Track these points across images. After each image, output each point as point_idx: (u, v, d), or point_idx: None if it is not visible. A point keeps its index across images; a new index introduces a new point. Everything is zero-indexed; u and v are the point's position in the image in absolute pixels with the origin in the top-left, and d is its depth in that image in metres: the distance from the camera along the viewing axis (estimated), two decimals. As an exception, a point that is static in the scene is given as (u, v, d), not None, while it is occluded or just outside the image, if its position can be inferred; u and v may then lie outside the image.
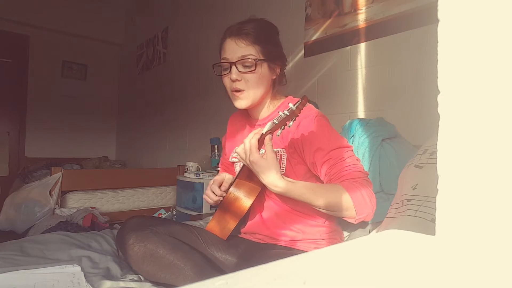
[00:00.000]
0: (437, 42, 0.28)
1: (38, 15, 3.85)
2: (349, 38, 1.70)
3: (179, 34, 3.33)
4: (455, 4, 0.27)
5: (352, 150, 0.95)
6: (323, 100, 1.79)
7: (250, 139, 0.83)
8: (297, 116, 0.83)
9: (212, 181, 1.06)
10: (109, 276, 0.98)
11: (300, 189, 0.83)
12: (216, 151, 2.48)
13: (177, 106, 3.30)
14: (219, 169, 2.12)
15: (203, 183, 2.13)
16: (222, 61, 1.00)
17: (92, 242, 1.22)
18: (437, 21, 0.28)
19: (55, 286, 0.86)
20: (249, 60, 0.95)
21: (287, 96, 1.08)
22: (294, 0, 2.04)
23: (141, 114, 3.99)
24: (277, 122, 0.83)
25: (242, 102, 0.99)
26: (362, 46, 1.65)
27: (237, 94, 0.98)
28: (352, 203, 0.80)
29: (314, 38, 1.88)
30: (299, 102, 0.82)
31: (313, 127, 0.93)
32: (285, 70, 1.06)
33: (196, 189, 2.16)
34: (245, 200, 0.94)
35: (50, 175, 2.31)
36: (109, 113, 4.62)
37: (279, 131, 0.84)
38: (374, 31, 1.59)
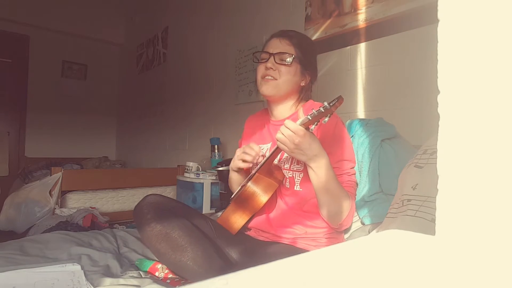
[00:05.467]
0: (437, 42, 0.28)
1: (38, 15, 3.85)
2: (349, 38, 1.70)
3: (179, 34, 3.33)
4: (455, 4, 0.27)
5: (354, 167, 1.07)
6: (323, 100, 1.78)
7: (290, 125, 0.84)
8: (333, 113, 0.83)
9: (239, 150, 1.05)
10: (109, 273, 0.99)
11: (331, 168, 0.91)
12: (216, 151, 2.48)
13: (177, 106, 3.30)
14: (219, 169, 2.13)
15: (203, 183, 2.13)
16: (264, 51, 1.09)
17: (93, 241, 1.23)
18: (437, 21, 0.28)
19: (55, 285, 0.86)
20: (288, 54, 1.04)
21: (307, 100, 1.12)
22: (294, 0, 2.04)
23: (141, 114, 3.99)
24: (310, 118, 0.83)
25: (269, 88, 1.05)
26: (362, 46, 1.65)
27: (267, 80, 1.05)
28: (347, 212, 0.95)
29: (314, 38, 1.88)
30: (336, 100, 0.82)
31: (332, 132, 1.00)
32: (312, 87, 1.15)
33: (196, 189, 2.16)
34: (262, 196, 0.97)
35: (50, 175, 2.31)
36: (109, 113, 4.62)
37: (313, 126, 0.85)
38: (374, 31, 1.59)
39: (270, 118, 1.15)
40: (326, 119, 0.83)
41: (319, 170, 0.89)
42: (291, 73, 1.05)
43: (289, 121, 0.85)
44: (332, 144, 0.99)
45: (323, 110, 0.81)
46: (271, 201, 1.03)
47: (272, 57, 1.05)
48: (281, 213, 1.03)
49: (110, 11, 4.41)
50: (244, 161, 1.01)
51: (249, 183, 0.98)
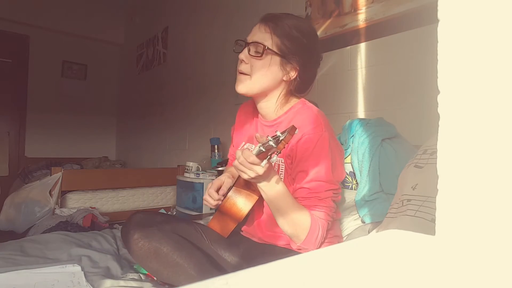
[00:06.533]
0: (437, 42, 0.28)
1: (38, 15, 3.85)
2: (349, 38, 1.70)
3: (179, 34, 3.33)
4: (455, 4, 0.27)
5: (337, 190, 0.94)
6: (323, 100, 1.79)
7: (248, 157, 0.75)
8: (282, 149, 0.72)
9: (210, 184, 1.03)
10: (109, 275, 0.99)
11: (282, 187, 0.83)
12: (216, 151, 2.48)
13: (177, 106, 3.30)
14: (219, 169, 2.13)
15: (203, 183, 2.13)
16: (240, 39, 0.96)
17: (93, 242, 1.22)
18: (437, 21, 0.28)
19: (55, 286, 0.86)
20: (259, 45, 0.90)
21: (299, 99, 1.01)
22: (294, 0, 2.04)
23: (141, 114, 3.99)
24: (264, 150, 0.74)
25: (239, 85, 0.94)
26: (362, 46, 1.65)
27: (240, 76, 0.94)
28: (306, 235, 0.84)
29: (314, 38, 1.88)
30: (286, 134, 0.70)
31: (311, 150, 0.89)
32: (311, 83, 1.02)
33: (196, 189, 2.16)
34: (242, 207, 0.94)
35: (50, 175, 2.31)
36: (109, 113, 4.62)
37: (265, 161, 0.75)
38: (374, 31, 1.59)
39: (258, 115, 1.07)
40: (274, 158, 0.73)
41: (267, 189, 0.83)
42: (265, 67, 0.90)
43: (247, 152, 0.75)
44: (307, 161, 0.88)
45: (273, 145, 0.71)
46: (259, 207, 1.00)
47: (246, 48, 0.91)
48: (269, 218, 0.99)
49: (110, 11, 4.41)
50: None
51: (230, 193, 0.96)
